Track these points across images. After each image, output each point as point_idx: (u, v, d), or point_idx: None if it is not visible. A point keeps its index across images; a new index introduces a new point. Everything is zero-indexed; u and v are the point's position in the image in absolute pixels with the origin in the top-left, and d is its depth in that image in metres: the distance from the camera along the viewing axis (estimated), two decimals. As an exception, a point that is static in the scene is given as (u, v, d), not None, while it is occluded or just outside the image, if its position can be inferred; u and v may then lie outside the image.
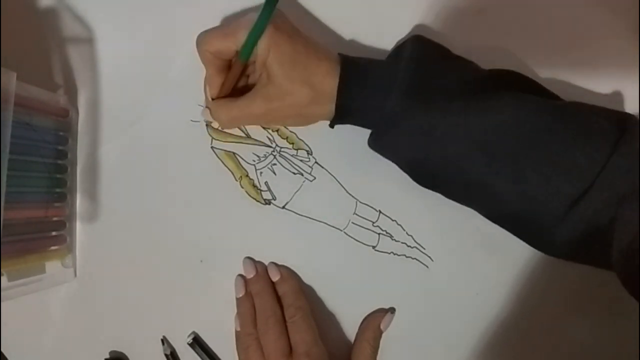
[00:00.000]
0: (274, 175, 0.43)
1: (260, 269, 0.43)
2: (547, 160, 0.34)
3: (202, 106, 0.43)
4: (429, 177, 0.38)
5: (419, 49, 0.37)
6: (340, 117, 0.38)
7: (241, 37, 0.35)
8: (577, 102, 0.37)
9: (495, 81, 0.36)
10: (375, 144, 0.39)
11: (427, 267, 0.43)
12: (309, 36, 0.38)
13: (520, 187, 0.34)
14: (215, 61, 0.38)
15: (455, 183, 0.37)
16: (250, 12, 0.36)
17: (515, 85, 0.36)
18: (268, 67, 0.36)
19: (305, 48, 0.36)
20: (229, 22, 0.37)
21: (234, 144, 0.44)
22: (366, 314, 0.43)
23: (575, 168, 0.33)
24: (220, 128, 0.43)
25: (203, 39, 0.37)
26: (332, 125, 0.40)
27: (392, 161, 0.39)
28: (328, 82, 0.36)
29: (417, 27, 0.42)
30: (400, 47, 0.38)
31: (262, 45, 0.35)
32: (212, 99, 0.40)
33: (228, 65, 0.39)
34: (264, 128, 0.44)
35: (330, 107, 0.37)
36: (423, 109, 0.35)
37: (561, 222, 0.34)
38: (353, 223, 0.43)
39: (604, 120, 0.34)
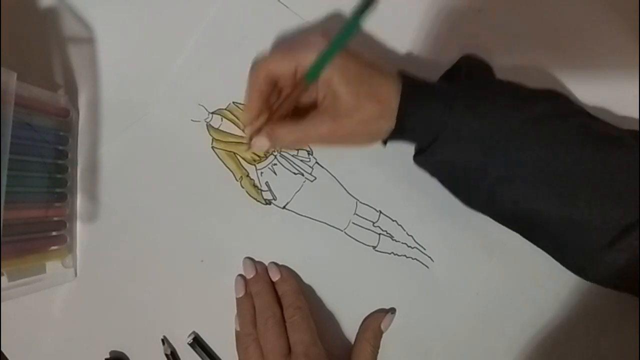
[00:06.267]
0: (274, 175, 0.43)
1: (260, 269, 0.43)
2: (602, 187, 0.34)
3: (202, 106, 0.43)
4: (479, 195, 0.38)
5: (473, 67, 0.37)
6: (399, 132, 0.37)
7: (303, 57, 0.35)
8: (630, 130, 0.37)
9: (548, 101, 0.36)
10: (428, 160, 0.38)
11: (427, 267, 0.43)
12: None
13: (570, 210, 0.34)
14: (262, 86, 0.37)
15: (504, 201, 0.37)
16: (311, 34, 0.35)
17: (561, 104, 0.37)
18: (334, 86, 0.35)
19: (368, 65, 0.36)
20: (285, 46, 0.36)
21: (234, 144, 0.44)
22: (366, 314, 0.43)
23: (631, 196, 0.33)
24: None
25: (261, 59, 0.37)
26: (385, 142, 0.39)
27: (440, 178, 0.39)
28: (394, 97, 0.36)
29: (416, 31, 0.42)
30: (453, 67, 0.39)
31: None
32: (246, 125, 0.39)
33: (269, 96, 0.38)
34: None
35: (394, 123, 0.37)
36: (481, 125, 0.35)
37: (607, 249, 0.34)
38: (353, 223, 0.43)
39: None
